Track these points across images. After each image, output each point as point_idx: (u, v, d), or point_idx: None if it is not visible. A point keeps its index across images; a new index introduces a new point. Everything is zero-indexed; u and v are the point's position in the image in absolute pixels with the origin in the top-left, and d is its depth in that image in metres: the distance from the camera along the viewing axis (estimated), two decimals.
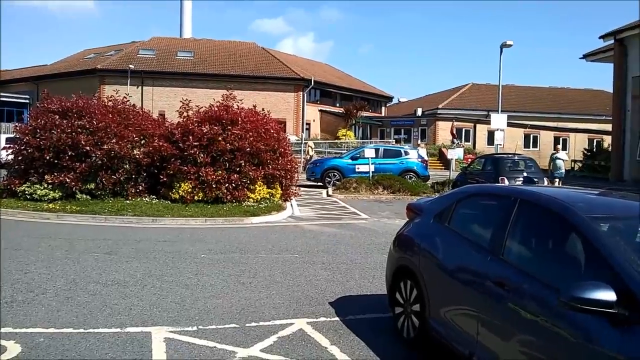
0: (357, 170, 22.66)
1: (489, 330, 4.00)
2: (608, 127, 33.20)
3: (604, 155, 31.25)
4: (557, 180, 20.43)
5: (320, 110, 48.31)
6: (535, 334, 3.52)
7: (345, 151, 31.36)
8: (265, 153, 14.93)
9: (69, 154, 13.95)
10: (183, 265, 8.30)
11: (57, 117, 14.43)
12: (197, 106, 15.73)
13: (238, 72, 43.13)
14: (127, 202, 14.03)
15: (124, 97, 16.36)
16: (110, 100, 15.76)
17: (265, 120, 15.72)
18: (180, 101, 15.88)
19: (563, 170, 21.46)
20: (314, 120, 47.23)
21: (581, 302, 3.03)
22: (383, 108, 58.26)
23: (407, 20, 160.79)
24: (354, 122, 46.92)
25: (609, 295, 3.00)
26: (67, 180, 13.81)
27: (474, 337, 4.13)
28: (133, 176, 14.61)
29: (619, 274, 3.16)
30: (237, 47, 48.61)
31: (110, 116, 14.65)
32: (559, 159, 21.15)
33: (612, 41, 27.34)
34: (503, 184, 13.72)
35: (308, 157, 31.08)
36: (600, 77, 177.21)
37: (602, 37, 27.96)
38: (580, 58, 31.83)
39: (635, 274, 3.13)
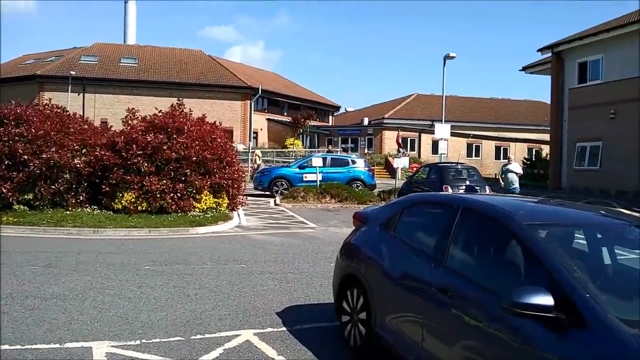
0: (304, 179, 22.65)
1: (433, 336, 4.06)
2: (546, 137, 34.47)
3: (542, 164, 32.37)
4: None
5: (268, 119, 48.27)
6: (477, 339, 3.60)
7: (293, 160, 31.41)
8: (212, 162, 14.72)
9: (6, 163, 13.44)
10: (126, 277, 8.09)
11: None
12: (141, 115, 15.37)
13: (184, 79, 42.63)
14: (67, 212, 13.56)
15: (63, 107, 15.92)
16: (46, 108, 15.24)
17: (212, 129, 15.53)
18: (126, 110, 15.52)
19: (517, 185, 17.76)
20: (261, 129, 47.14)
21: (521, 307, 3.11)
22: (330, 117, 58.74)
23: (354, 32, 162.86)
24: (301, 131, 47.13)
25: (547, 300, 3.09)
26: (4, 190, 13.26)
27: (419, 344, 4.18)
28: (73, 186, 14.13)
29: (556, 280, 3.26)
30: (183, 55, 48.04)
31: (49, 124, 14.18)
32: (511, 171, 17.82)
33: (550, 54, 28.47)
34: (446, 192, 13.99)
35: (255, 166, 30.93)
36: (540, 89, 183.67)
37: (540, 50, 29.07)
38: (520, 70, 33.04)
39: (571, 279, 3.24)
